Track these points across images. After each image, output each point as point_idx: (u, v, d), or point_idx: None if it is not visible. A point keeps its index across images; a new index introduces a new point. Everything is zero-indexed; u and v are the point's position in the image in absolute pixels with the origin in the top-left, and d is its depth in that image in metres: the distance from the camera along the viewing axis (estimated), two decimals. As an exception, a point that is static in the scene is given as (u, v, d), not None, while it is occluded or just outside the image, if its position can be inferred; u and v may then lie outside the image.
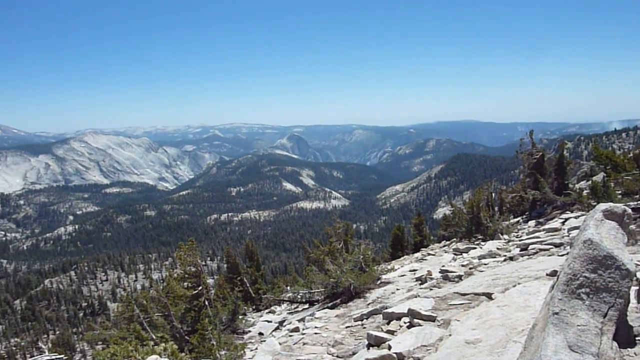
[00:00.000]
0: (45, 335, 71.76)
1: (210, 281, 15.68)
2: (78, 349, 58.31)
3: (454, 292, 7.59)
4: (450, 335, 5.17)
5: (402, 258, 22.55)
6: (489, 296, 6.70)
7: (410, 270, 14.07)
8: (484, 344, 4.44)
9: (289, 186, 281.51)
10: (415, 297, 8.58)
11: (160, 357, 4.89)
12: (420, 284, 10.60)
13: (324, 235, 19.99)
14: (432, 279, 10.41)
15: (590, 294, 2.86)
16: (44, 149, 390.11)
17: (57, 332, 71.40)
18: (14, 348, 66.24)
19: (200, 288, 12.59)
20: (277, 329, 12.75)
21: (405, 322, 6.81)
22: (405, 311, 6.98)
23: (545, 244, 10.22)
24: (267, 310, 19.02)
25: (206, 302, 12.72)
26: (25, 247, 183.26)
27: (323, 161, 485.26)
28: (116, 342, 6.39)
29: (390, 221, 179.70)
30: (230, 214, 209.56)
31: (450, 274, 9.69)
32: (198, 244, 14.27)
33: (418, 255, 19.18)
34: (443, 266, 11.38)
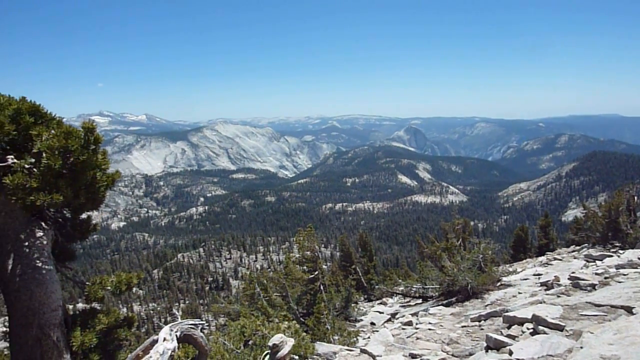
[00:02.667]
0: (177, 303, 79.68)
1: (324, 267, 16.15)
2: (203, 319, 63.90)
3: (586, 302, 6.97)
4: (581, 347, 4.77)
5: (524, 261, 21.25)
6: (629, 310, 6.05)
7: (534, 275, 13.20)
8: (622, 361, 4.04)
9: (404, 179, 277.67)
10: (540, 303, 8.04)
11: (284, 334, 5.18)
12: (546, 290, 9.89)
13: (440, 231, 19.46)
14: (559, 285, 9.66)
15: None
16: (181, 136, 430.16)
17: (187, 302, 78.94)
18: (151, 312, 74.69)
19: (316, 273, 13.05)
20: (389, 320, 12.79)
21: (528, 328, 6.43)
22: (529, 317, 6.58)
23: (703, 258, 8.90)
24: (378, 301, 19.15)
25: (321, 287, 13.15)
26: (163, 224, 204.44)
27: (441, 155, 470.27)
28: (245, 316, 6.92)
29: (511, 221, 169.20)
30: (344, 203, 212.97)
31: (581, 282, 8.91)
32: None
33: (543, 259, 17.92)
34: (573, 273, 10.48)
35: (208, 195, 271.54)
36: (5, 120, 3.66)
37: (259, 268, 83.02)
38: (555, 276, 10.64)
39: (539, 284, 11.00)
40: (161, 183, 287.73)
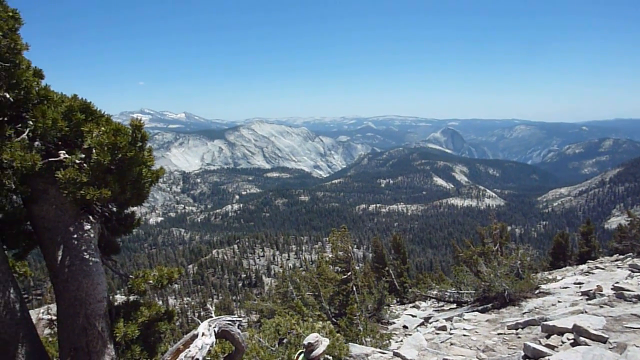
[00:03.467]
0: (211, 299, 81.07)
1: (356, 268, 16.09)
2: (235, 314, 64.59)
3: (632, 314, 6.71)
4: (626, 361, 4.60)
5: (563, 268, 20.64)
6: (678, 324, 5.78)
7: (575, 283, 12.78)
8: (671, 378, 3.87)
9: (439, 181, 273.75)
10: (582, 313, 7.79)
11: (319, 334, 5.22)
12: (588, 300, 9.56)
13: (476, 235, 19.08)
14: (602, 295, 9.32)
15: None
16: (219, 134, 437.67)
17: (220, 297, 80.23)
18: (186, 305, 76.31)
19: (349, 273, 13.04)
20: (422, 324, 12.66)
21: (568, 339, 6.24)
22: (570, 327, 6.38)
23: None
24: (411, 305, 18.98)
25: (354, 288, 13.13)
26: (199, 220, 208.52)
27: (478, 157, 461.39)
28: (280, 314, 7.00)
29: (551, 227, 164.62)
30: (378, 205, 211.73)
31: (626, 293, 8.56)
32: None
33: (584, 267, 17.33)
34: (617, 283, 10.09)
35: (243, 193, 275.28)
36: (59, 116, 3.83)
37: (292, 267, 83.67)
38: (597, 286, 10.27)
39: (580, 293, 10.64)
40: (198, 180, 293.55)
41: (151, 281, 4.31)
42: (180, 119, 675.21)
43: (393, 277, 22.00)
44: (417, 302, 18.79)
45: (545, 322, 7.18)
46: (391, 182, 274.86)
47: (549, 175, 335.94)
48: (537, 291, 12.31)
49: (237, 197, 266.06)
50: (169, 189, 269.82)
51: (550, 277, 14.09)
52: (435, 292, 16.31)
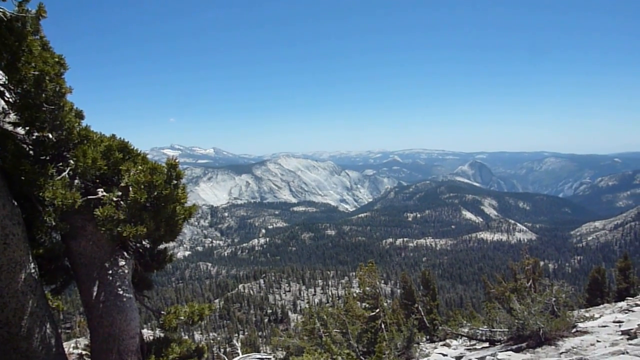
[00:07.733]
0: (237, 334, 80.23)
1: (384, 304, 15.75)
2: (261, 351, 63.76)
3: (677, 356, 6.37)
4: (674, 407, 4.36)
5: (601, 306, 19.81)
6: None
7: (614, 322, 12.21)
8: None
9: (468, 215, 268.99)
10: (623, 353, 7.42)
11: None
12: (628, 339, 9.11)
13: (507, 270, 18.60)
14: (644, 335, 8.87)
15: None
16: (246, 169, 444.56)
17: (246, 333, 79.42)
18: (212, 341, 75.70)
19: (377, 310, 12.82)
20: (453, 364, 12.26)
21: (610, 382, 5.95)
22: (611, 369, 6.10)
23: None
24: (441, 343, 18.40)
25: (382, 325, 12.88)
26: (226, 254, 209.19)
27: (508, 190, 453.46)
28: (309, 352, 6.90)
29: (586, 262, 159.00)
30: (405, 239, 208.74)
31: (670, 333, 8.14)
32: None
33: (622, 304, 16.59)
34: (660, 322, 9.60)
35: (269, 227, 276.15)
36: (98, 156, 4.01)
37: (318, 302, 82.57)
38: (638, 324, 9.80)
39: (620, 333, 10.15)
40: (226, 214, 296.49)
41: (182, 317, 4.36)
42: (209, 154, 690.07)
43: (422, 314, 21.49)
44: (447, 340, 18.24)
45: (584, 364, 6.89)
46: (418, 216, 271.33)
47: (581, 209, 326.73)
48: (574, 330, 11.80)
49: (263, 231, 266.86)
50: (197, 223, 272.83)
51: (587, 315, 13.49)
52: (466, 330, 15.82)
